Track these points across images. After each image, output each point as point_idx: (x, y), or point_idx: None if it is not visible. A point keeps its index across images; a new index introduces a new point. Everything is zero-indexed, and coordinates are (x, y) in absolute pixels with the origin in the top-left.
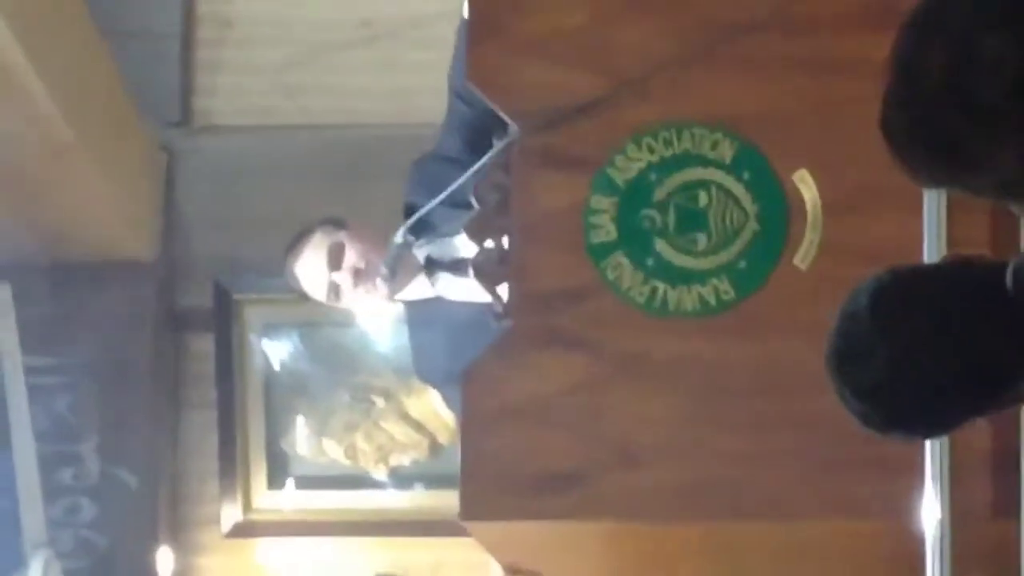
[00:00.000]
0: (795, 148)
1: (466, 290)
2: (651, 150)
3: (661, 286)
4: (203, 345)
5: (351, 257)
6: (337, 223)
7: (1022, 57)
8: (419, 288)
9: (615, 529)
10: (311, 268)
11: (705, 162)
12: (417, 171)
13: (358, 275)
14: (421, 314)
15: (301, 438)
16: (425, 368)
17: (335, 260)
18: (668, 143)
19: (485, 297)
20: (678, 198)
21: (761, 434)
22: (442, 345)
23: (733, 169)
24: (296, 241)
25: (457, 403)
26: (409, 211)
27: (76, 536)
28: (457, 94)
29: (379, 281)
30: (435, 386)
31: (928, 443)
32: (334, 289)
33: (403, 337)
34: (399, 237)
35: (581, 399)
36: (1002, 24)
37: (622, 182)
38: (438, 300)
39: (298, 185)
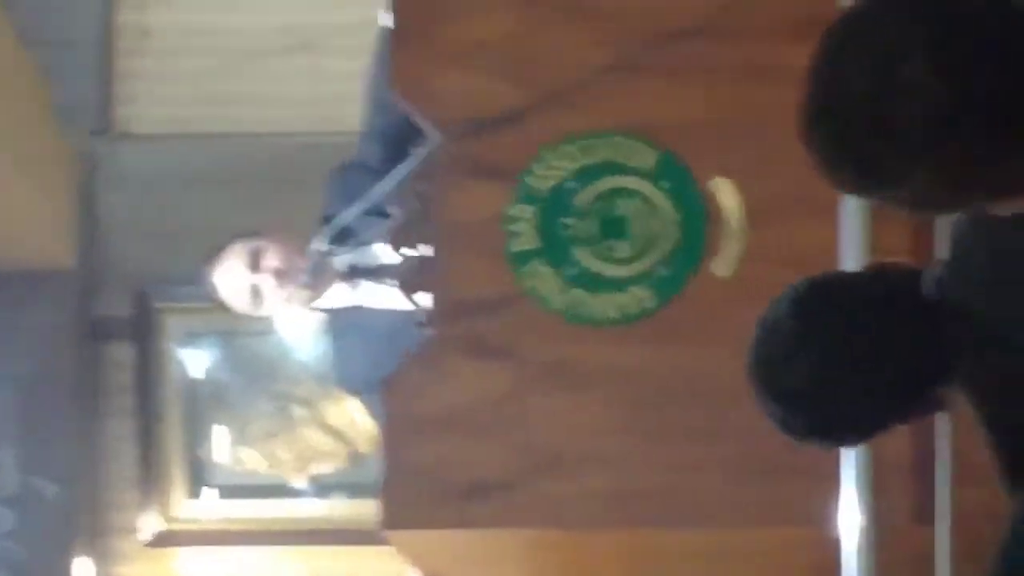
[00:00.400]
0: (717, 156)
1: (387, 298)
2: (572, 158)
3: (581, 294)
4: (123, 354)
5: (271, 260)
6: (255, 233)
7: (938, 83)
8: (340, 296)
9: (539, 537)
10: (231, 274)
11: (626, 170)
12: (336, 180)
13: (279, 276)
14: (342, 322)
15: (221, 447)
16: (346, 376)
17: (255, 262)
18: (589, 151)
19: (406, 305)
20: (599, 206)
21: (684, 442)
22: (363, 353)
23: (654, 177)
24: (216, 251)
25: (379, 411)
26: (328, 221)
27: None
28: (377, 102)
29: (300, 288)
30: (356, 394)
31: (849, 450)
32: (255, 293)
33: (323, 346)
34: (319, 244)
35: (503, 407)
36: (920, 49)
37: (543, 190)
38: (359, 308)
39: (219, 194)
